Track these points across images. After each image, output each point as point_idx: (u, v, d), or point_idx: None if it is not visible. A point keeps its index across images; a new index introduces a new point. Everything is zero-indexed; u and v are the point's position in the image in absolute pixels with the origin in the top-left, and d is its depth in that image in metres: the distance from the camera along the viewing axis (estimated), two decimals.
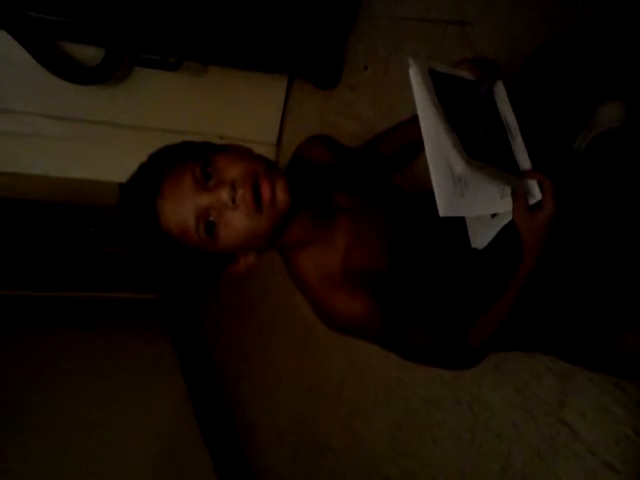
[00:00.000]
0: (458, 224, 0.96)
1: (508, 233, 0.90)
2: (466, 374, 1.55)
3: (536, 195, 0.86)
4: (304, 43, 2.05)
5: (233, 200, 0.82)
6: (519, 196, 0.86)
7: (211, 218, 0.83)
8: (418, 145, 1.03)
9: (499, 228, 0.91)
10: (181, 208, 0.82)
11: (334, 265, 0.92)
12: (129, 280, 3.71)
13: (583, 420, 1.25)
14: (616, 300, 0.99)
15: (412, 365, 1.74)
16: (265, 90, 2.32)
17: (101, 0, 1.74)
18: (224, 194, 0.82)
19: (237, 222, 0.83)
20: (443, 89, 0.88)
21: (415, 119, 0.89)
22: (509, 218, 0.89)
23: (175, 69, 1.98)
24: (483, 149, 0.86)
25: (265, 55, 2.08)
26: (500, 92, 0.96)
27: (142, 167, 0.89)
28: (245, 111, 2.31)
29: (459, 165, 0.80)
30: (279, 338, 2.57)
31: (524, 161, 0.90)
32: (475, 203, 0.88)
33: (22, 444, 2.76)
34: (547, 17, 1.38)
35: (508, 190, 0.87)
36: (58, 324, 3.41)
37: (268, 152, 2.44)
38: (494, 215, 0.92)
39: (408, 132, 1.09)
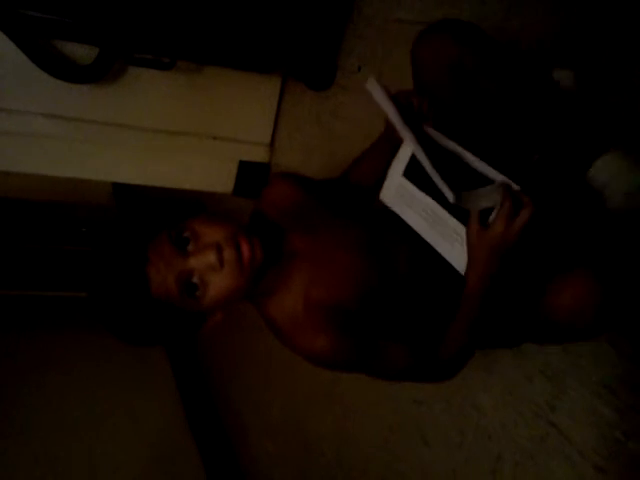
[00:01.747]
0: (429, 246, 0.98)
1: None
2: (457, 375, 1.55)
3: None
4: (298, 44, 2.05)
5: (221, 262, 0.85)
6: (475, 211, 0.86)
7: (194, 280, 0.86)
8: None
9: None
10: (167, 273, 0.85)
11: (296, 307, 0.96)
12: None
13: (573, 422, 1.25)
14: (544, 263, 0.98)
15: None
16: (259, 90, 2.32)
17: None
18: (211, 256, 0.85)
19: (222, 283, 0.87)
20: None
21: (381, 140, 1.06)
22: None
23: (169, 68, 1.97)
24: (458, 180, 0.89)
25: (259, 55, 2.08)
26: (430, 130, 1.00)
27: (118, 238, 0.91)
28: (238, 111, 2.31)
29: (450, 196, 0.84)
30: (270, 339, 2.56)
31: (495, 174, 0.89)
32: (412, 214, 0.98)
33: (11, 449, 2.75)
34: (544, 22, 1.39)
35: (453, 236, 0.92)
36: (48, 324, 3.39)
37: (261, 152, 2.44)
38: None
39: (380, 156, 1.11)
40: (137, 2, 1.77)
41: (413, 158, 0.96)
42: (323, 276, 0.97)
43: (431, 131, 0.99)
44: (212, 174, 2.40)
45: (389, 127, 1.03)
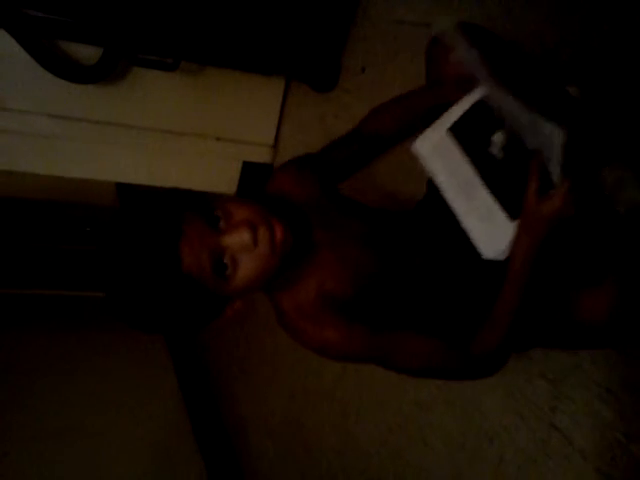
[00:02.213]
0: (452, 238, 0.97)
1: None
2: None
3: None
4: (302, 45, 2.05)
5: (255, 241, 0.83)
6: (535, 175, 0.84)
7: (225, 260, 0.84)
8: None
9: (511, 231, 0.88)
10: (200, 249, 0.82)
11: (307, 300, 0.94)
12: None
13: (575, 425, 1.25)
14: (574, 264, 0.96)
15: None
16: (262, 92, 2.32)
17: None
18: (245, 234, 0.83)
19: (253, 263, 0.85)
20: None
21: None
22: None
23: (173, 69, 1.98)
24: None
25: (263, 57, 2.08)
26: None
27: (151, 212, 0.86)
28: (242, 112, 2.31)
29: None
30: (272, 338, 2.57)
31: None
32: (444, 175, 0.92)
33: (13, 448, 2.75)
34: (546, 25, 1.38)
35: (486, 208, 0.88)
36: (50, 323, 3.40)
37: (264, 153, 2.44)
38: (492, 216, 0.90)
39: (419, 106, 1.08)
40: (141, 3, 1.77)
41: (466, 116, 0.92)
42: (335, 269, 0.97)
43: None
44: (216, 175, 2.40)
45: (453, 78, 0.96)
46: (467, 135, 0.91)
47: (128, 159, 2.20)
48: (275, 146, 2.45)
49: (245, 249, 0.84)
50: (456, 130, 0.93)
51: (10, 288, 3.30)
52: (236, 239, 0.83)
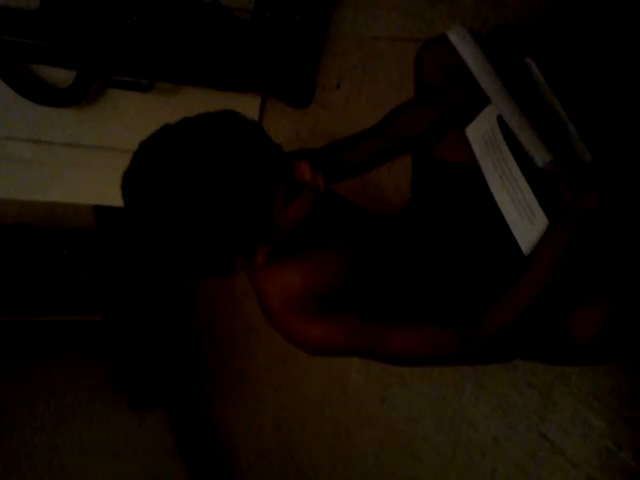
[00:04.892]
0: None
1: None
2: (447, 391, 1.55)
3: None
4: (276, 62, 2.06)
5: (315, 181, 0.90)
6: (566, 171, 0.83)
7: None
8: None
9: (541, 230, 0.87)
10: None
11: (293, 292, 0.94)
12: (102, 303, 3.66)
13: (564, 434, 1.25)
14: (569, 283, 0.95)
15: (394, 382, 1.74)
16: (238, 109, 2.27)
17: (72, 23, 1.73)
18: (307, 173, 0.89)
19: (309, 200, 0.89)
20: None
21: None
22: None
23: (147, 90, 1.97)
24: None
25: (238, 75, 2.08)
26: (534, 67, 0.91)
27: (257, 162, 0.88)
28: None
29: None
30: (260, 357, 2.55)
31: (584, 153, 0.85)
32: (490, 165, 0.90)
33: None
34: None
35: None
36: (30, 350, 3.35)
37: None
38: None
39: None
40: (114, 25, 1.76)
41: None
42: (325, 265, 0.97)
43: (534, 69, 0.90)
44: None
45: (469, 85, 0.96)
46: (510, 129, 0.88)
47: (106, 181, 2.18)
48: None
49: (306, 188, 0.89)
50: (502, 122, 0.90)
51: None
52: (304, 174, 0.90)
